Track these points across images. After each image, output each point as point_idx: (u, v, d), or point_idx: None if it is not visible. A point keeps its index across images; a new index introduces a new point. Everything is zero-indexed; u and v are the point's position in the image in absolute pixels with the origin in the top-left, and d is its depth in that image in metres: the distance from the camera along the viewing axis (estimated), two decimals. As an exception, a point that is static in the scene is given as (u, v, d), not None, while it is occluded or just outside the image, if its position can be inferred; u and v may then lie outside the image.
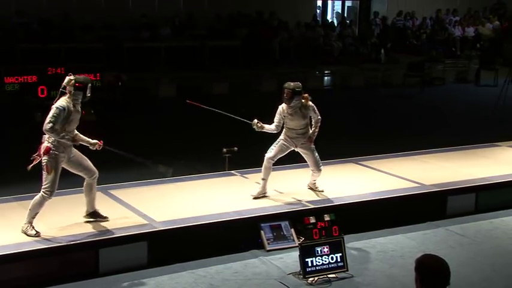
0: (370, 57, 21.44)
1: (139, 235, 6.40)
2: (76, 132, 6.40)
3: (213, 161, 8.90)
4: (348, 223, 7.01)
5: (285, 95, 7.29)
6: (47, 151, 6.15)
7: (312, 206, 7.28)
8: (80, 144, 6.45)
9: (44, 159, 6.17)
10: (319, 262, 6.24)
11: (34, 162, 6.27)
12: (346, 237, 6.57)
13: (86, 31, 17.26)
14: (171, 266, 6.37)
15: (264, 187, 7.43)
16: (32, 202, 6.26)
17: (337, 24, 22.80)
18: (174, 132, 11.65)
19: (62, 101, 6.24)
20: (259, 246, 6.84)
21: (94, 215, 6.62)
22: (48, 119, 6.15)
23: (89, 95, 6.37)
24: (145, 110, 13.96)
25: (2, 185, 8.09)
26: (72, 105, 6.25)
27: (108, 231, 6.38)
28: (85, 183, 6.53)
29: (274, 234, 6.92)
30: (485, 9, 25.35)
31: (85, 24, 17.33)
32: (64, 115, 6.17)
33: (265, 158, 7.35)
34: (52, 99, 12.85)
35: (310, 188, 7.74)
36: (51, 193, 6.21)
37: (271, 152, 7.34)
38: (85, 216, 6.60)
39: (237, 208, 7.11)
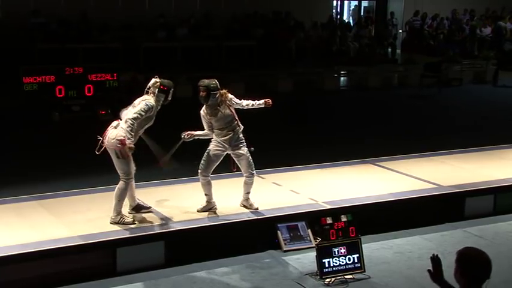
0: (386, 57, 21.36)
1: (157, 234, 6.43)
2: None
3: (230, 161, 8.89)
4: (365, 224, 6.97)
5: (200, 93, 6.82)
6: (123, 143, 6.34)
7: (329, 207, 7.27)
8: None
9: (119, 146, 6.36)
10: (336, 263, 6.23)
11: (102, 146, 6.43)
12: (363, 238, 6.54)
13: (103, 31, 17.36)
14: (188, 265, 6.39)
15: (209, 202, 7.03)
16: (115, 193, 6.48)
17: (354, 24, 22.75)
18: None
19: (151, 100, 6.50)
20: (276, 246, 6.84)
21: (137, 208, 6.82)
22: (136, 112, 6.37)
23: (170, 99, 6.64)
24: (162, 109, 13.96)
25: (22, 184, 8.15)
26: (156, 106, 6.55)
27: (125, 230, 6.40)
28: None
29: (291, 234, 6.91)
30: (503, 8, 25.14)
31: (102, 25, 17.43)
32: (149, 114, 6.46)
33: (199, 174, 6.96)
34: (69, 99, 13.10)
35: (244, 206, 7.14)
36: (130, 176, 6.50)
37: (201, 167, 6.92)
38: (130, 212, 6.76)
39: (254, 208, 7.10)
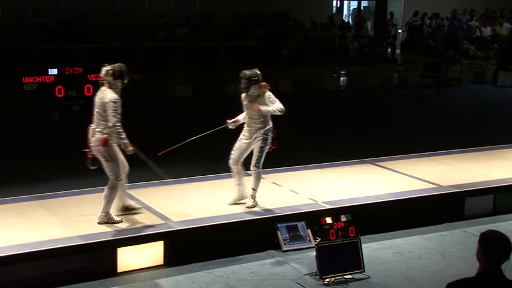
0: (386, 57, 21.38)
1: (157, 235, 6.42)
2: None
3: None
4: (364, 224, 6.98)
5: (241, 84, 6.96)
6: (105, 142, 6.30)
7: (329, 207, 7.27)
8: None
9: (104, 150, 6.32)
10: (335, 263, 6.23)
11: (89, 157, 6.42)
12: (362, 238, 6.55)
13: (102, 31, 17.37)
14: (188, 265, 6.39)
15: (238, 192, 7.18)
16: (105, 194, 6.44)
17: (353, 24, 22.77)
18: (190, 132, 11.67)
19: (112, 93, 6.33)
20: (276, 246, 6.84)
21: (127, 209, 6.76)
22: (113, 114, 6.24)
23: (127, 81, 6.51)
24: (162, 110, 14.02)
25: (21, 184, 8.16)
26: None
27: (125, 230, 6.41)
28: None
29: (291, 234, 6.92)
30: (503, 9, 25.18)
31: (102, 25, 17.44)
32: (120, 106, 6.33)
33: (230, 164, 7.12)
34: (69, 99, 13.10)
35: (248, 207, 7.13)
36: (119, 177, 6.44)
37: (231, 157, 7.10)
38: (118, 214, 6.65)
39: (254, 208, 7.10)
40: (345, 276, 6.21)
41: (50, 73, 12.59)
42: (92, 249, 6.11)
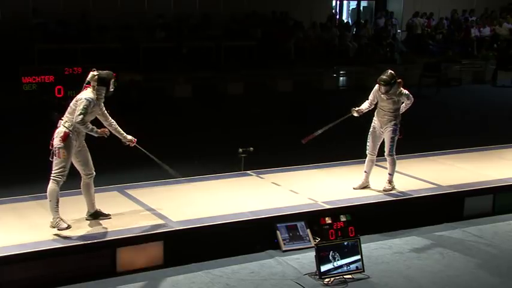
0: (385, 57, 21.38)
1: (156, 234, 6.42)
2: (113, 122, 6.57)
3: (229, 161, 8.92)
4: (364, 224, 6.99)
5: (382, 88, 7.53)
6: (66, 137, 6.26)
7: (328, 207, 7.27)
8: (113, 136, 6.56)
9: (59, 144, 6.26)
10: (335, 263, 6.23)
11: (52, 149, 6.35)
12: (362, 237, 6.55)
13: (102, 31, 17.37)
14: (187, 265, 6.39)
15: (364, 179, 7.80)
16: (48, 193, 6.30)
17: (352, 24, 22.78)
18: (190, 133, 11.70)
19: (90, 93, 6.38)
20: (275, 246, 6.84)
21: (96, 215, 6.62)
22: (79, 110, 6.27)
23: (112, 90, 6.53)
24: (161, 110, 14.02)
25: (21, 184, 8.16)
26: (96, 99, 6.40)
27: (125, 230, 6.40)
28: (82, 183, 6.55)
29: (290, 234, 6.92)
30: (502, 9, 25.20)
31: (101, 25, 17.44)
32: (91, 109, 6.31)
33: (366, 152, 7.74)
34: (69, 99, 13.07)
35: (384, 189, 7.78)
36: (63, 177, 6.28)
37: (368, 146, 7.71)
38: (87, 218, 6.59)
39: (253, 208, 7.11)
40: (345, 276, 6.21)
41: (49, 73, 12.59)
42: (92, 249, 6.11)
